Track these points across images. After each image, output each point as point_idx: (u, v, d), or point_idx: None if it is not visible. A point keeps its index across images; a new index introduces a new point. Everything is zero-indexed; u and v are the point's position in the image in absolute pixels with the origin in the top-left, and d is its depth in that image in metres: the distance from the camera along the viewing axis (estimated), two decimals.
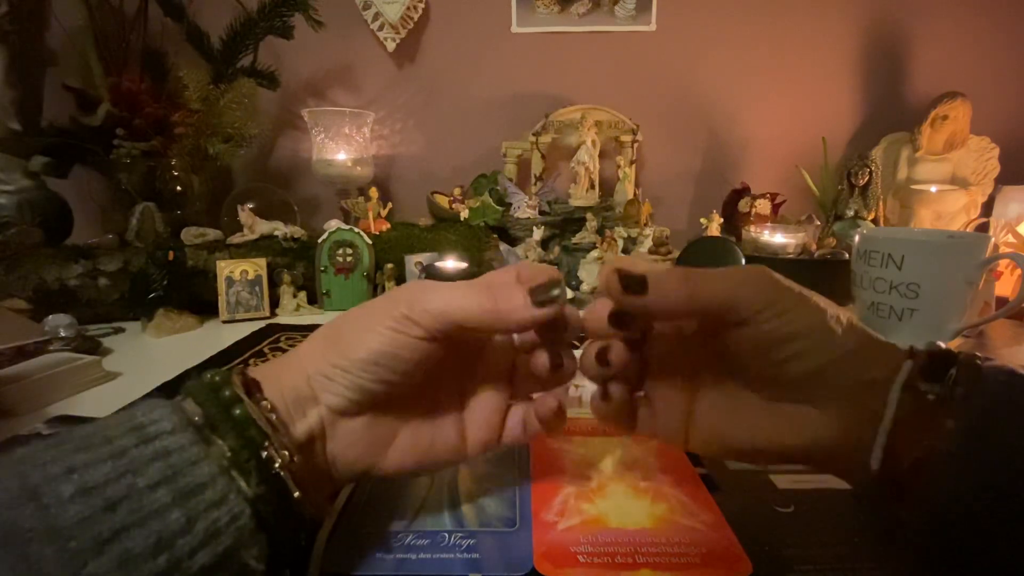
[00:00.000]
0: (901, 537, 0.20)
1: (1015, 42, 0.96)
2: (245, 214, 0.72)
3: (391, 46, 0.97)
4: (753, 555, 0.23)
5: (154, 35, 0.88)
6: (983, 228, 0.85)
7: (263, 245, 0.71)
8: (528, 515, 0.26)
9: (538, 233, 0.81)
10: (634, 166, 0.93)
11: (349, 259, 0.72)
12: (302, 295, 0.70)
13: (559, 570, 0.23)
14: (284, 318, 0.67)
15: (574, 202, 0.87)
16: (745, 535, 0.25)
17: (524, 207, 0.86)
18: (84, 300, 0.63)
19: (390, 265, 0.72)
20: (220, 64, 0.84)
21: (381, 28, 0.96)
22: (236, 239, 0.71)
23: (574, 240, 0.83)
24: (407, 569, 0.23)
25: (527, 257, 0.78)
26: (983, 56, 0.97)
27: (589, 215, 0.83)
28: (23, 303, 0.62)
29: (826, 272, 0.69)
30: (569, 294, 0.71)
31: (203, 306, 0.66)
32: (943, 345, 0.20)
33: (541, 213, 0.87)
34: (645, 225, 0.85)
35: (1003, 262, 0.66)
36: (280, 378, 0.22)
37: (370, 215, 0.80)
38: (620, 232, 0.81)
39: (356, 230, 0.73)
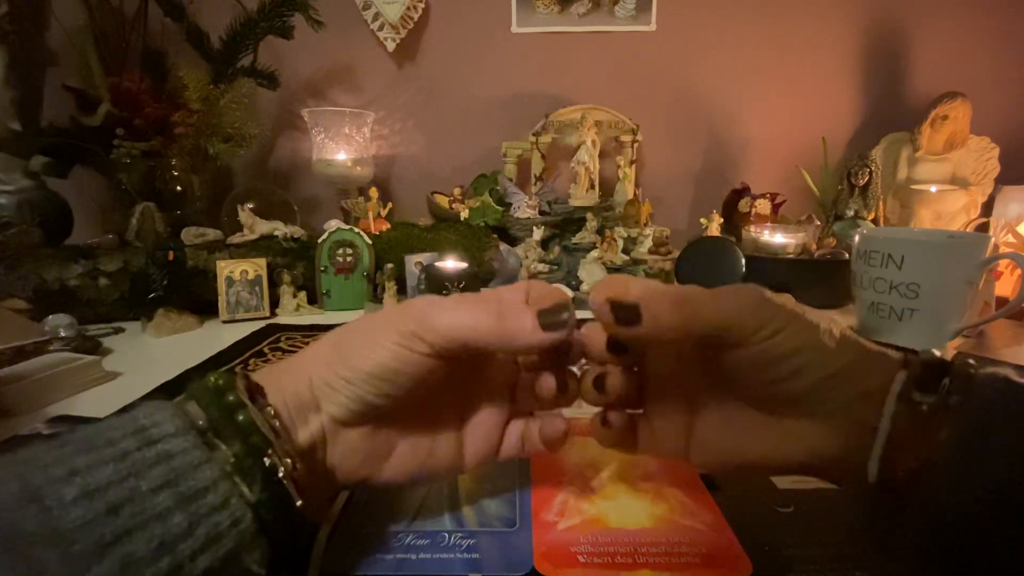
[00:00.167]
0: (901, 537, 0.20)
1: (1015, 42, 0.96)
2: (245, 214, 0.72)
3: (391, 46, 0.97)
4: (753, 555, 0.23)
5: (154, 35, 0.88)
6: (983, 228, 0.85)
7: (263, 245, 0.71)
8: (528, 515, 0.26)
9: (538, 233, 0.81)
10: (634, 166, 0.93)
11: (349, 259, 0.72)
12: (302, 295, 0.70)
13: (559, 570, 0.23)
14: (284, 318, 0.67)
15: (574, 202, 0.87)
16: (745, 535, 0.25)
17: (524, 207, 0.86)
18: (84, 300, 0.63)
19: (390, 265, 0.72)
20: (220, 64, 0.84)
21: (381, 28, 0.96)
22: (236, 239, 0.71)
23: (574, 240, 0.83)
24: (407, 569, 0.23)
25: (527, 257, 0.78)
26: (983, 56, 0.97)
27: (589, 215, 0.83)
28: (23, 303, 0.62)
29: (826, 272, 0.69)
30: (569, 293, 0.71)
31: (203, 306, 0.66)
32: (937, 353, 0.21)
33: (541, 213, 0.87)
34: (645, 225, 0.85)
35: (1003, 262, 0.66)
36: (283, 383, 0.22)
37: (370, 215, 0.80)
38: (620, 232, 0.81)
39: (356, 230, 0.73)
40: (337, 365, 0.22)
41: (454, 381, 0.25)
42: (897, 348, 0.22)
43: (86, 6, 0.79)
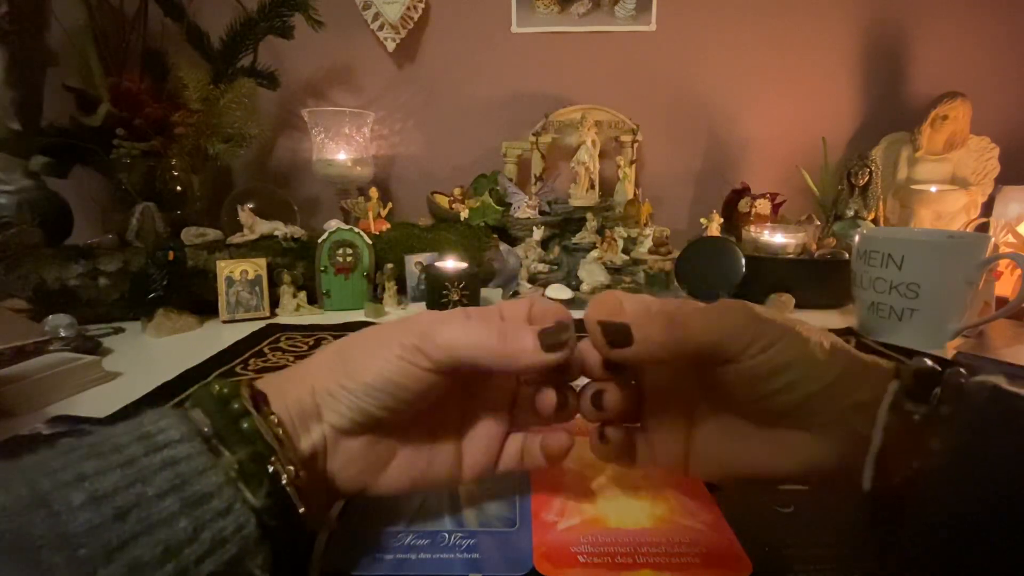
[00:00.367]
0: (898, 540, 0.20)
1: (1016, 42, 0.96)
2: (245, 214, 0.72)
3: (391, 46, 0.97)
4: (753, 555, 0.23)
5: (154, 35, 0.88)
6: (983, 228, 0.85)
7: (263, 245, 0.71)
8: (528, 515, 0.26)
9: (538, 233, 0.81)
10: (634, 166, 0.93)
11: (349, 259, 0.72)
12: (302, 295, 0.70)
13: (559, 570, 0.23)
14: (284, 318, 0.67)
15: (574, 202, 0.87)
16: (745, 535, 0.25)
17: (524, 207, 0.86)
18: (84, 300, 0.63)
19: (390, 265, 0.72)
20: (220, 64, 0.84)
21: (381, 28, 0.96)
22: (236, 239, 0.71)
23: (574, 240, 0.83)
24: (407, 569, 0.23)
25: (527, 257, 0.78)
26: (983, 56, 0.97)
27: (589, 215, 0.83)
28: (23, 303, 0.62)
29: (826, 272, 0.69)
30: (569, 294, 0.71)
31: (203, 306, 0.66)
32: (928, 362, 0.21)
33: (541, 213, 0.87)
34: (645, 225, 0.85)
35: (1003, 262, 0.66)
36: (286, 391, 0.22)
37: (370, 215, 0.80)
38: (620, 232, 0.81)
39: (356, 230, 0.73)
40: (339, 375, 0.22)
41: (454, 394, 0.25)
42: (891, 354, 0.22)
43: (86, 6, 0.79)
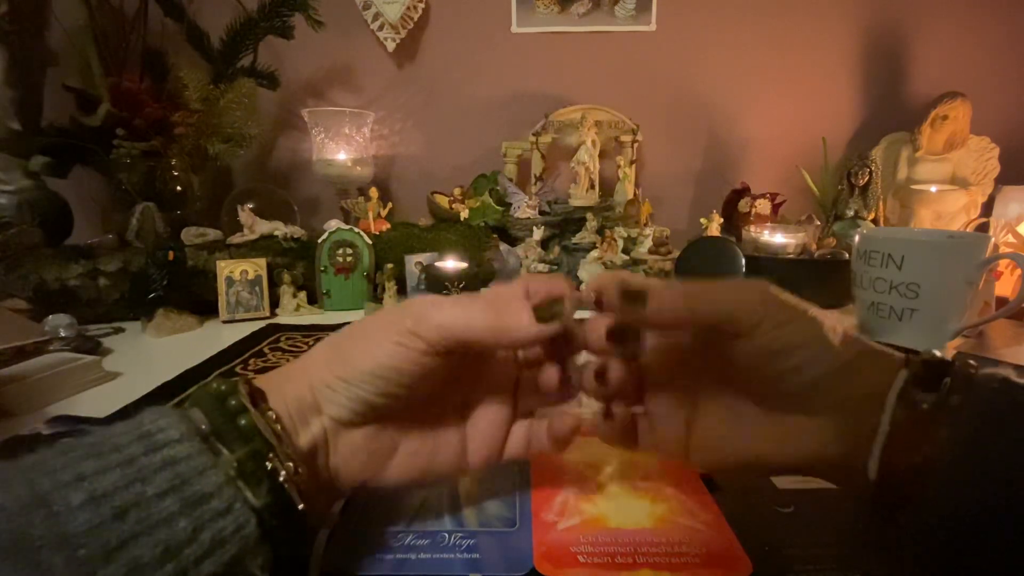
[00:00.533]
0: (901, 537, 0.20)
1: (1015, 42, 0.96)
2: (245, 214, 0.72)
3: (391, 46, 0.97)
4: (753, 555, 0.23)
5: (154, 35, 0.88)
6: (983, 228, 0.85)
7: (263, 245, 0.71)
8: (528, 515, 0.26)
9: (538, 233, 0.81)
10: (634, 166, 0.93)
11: (349, 259, 0.72)
12: (302, 295, 0.70)
13: (559, 570, 0.23)
14: (284, 318, 0.67)
15: (574, 202, 0.87)
16: (745, 535, 0.25)
17: (524, 207, 0.86)
18: (84, 300, 0.63)
19: (390, 265, 0.72)
20: (220, 64, 0.84)
21: (381, 28, 0.96)
22: (236, 239, 0.71)
23: (574, 240, 0.83)
24: (407, 569, 0.23)
25: (527, 257, 0.78)
26: (983, 56, 0.97)
27: (589, 215, 0.83)
28: (23, 303, 0.62)
29: (826, 272, 0.69)
30: (567, 287, 0.71)
31: (203, 306, 0.66)
32: (938, 354, 0.21)
33: (541, 213, 0.87)
34: (645, 225, 0.85)
35: (1003, 262, 0.66)
36: (284, 388, 0.22)
37: (370, 215, 0.80)
38: (620, 232, 0.81)
39: (356, 230, 0.73)
40: (336, 366, 0.22)
41: (455, 381, 0.25)
42: (897, 349, 0.22)
43: (86, 6, 0.79)
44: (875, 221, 0.86)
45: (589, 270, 0.76)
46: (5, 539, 0.14)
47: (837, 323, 0.21)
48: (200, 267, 0.67)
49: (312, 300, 0.71)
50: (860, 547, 0.24)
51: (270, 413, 0.20)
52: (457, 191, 0.87)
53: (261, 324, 0.64)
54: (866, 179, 0.84)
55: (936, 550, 0.18)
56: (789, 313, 0.21)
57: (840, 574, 0.23)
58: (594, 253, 0.77)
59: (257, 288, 0.67)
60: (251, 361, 0.51)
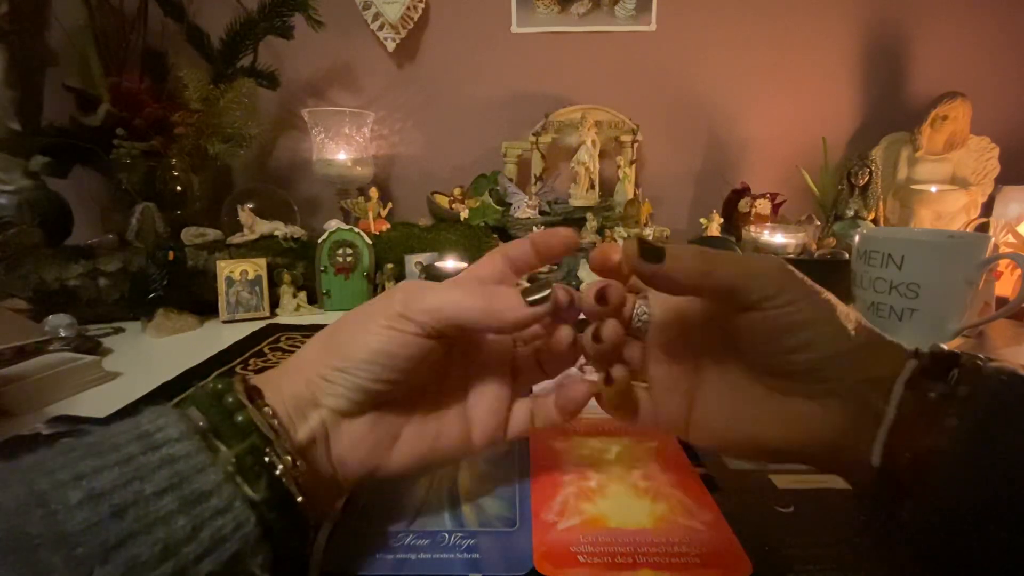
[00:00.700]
0: (901, 537, 0.20)
1: (1015, 42, 0.96)
2: (245, 214, 0.72)
3: (391, 46, 0.97)
4: (753, 555, 0.23)
5: (154, 35, 0.88)
6: (983, 228, 0.85)
7: (263, 245, 0.71)
8: (528, 515, 0.26)
9: None
10: (634, 166, 0.93)
11: (349, 259, 0.72)
12: (302, 295, 0.70)
13: (559, 570, 0.23)
14: (284, 318, 0.67)
15: (574, 202, 0.87)
16: (745, 535, 0.25)
17: (524, 207, 0.86)
18: (84, 300, 0.63)
19: (390, 265, 0.72)
20: (220, 64, 0.84)
21: (381, 28, 0.96)
22: (236, 239, 0.71)
23: None
24: (407, 569, 0.23)
25: None
26: (983, 56, 0.97)
27: (589, 215, 0.83)
28: (23, 303, 0.62)
29: (826, 272, 0.68)
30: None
31: (203, 306, 0.66)
32: (946, 347, 0.21)
33: (541, 213, 0.87)
34: (645, 225, 0.85)
35: (1003, 262, 0.66)
36: (280, 385, 0.22)
37: (370, 215, 0.80)
38: (620, 232, 0.81)
39: (356, 230, 0.73)
40: (331, 358, 0.22)
41: (452, 362, 0.25)
42: None
43: (86, 6, 0.79)
44: (875, 221, 0.86)
45: (589, 270, 0.76)
46: (3, 538, 0.14)
47: (850, 310, 0.22)
48: (200, 267, 0.67)
49: (312, 300, 0.71)
50: (860, 547, 0.24)
51: (266, 409, 0.20)
52: (457, 191, 0.87)
53: (261, 324, 0.64)
54: (866, 179, 0.84)
55: (939, 543, 0.18)
56: (802, 291, 0.21)
57: (840, 574, 0.23)
58: None
59: (257, 288, 0.67)
60: (251, 361, 0.51)
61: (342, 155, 0.91)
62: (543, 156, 0.95)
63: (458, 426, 0.25)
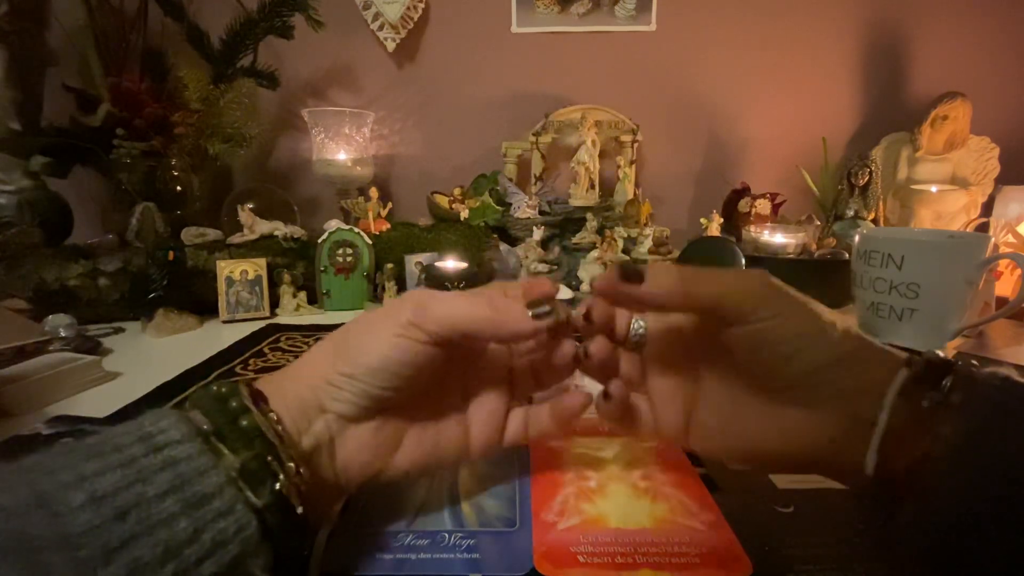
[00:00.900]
0: (901, 537, 0.20)
1: (1016, 42, 0.96)
2: (245, 214, 0.72)
3: (391, 46, 0.97)
4: (753, 555, 0.23)
5: (154, 35, 0.88)
6: (983, 228, 0.85)
7: (263, 245, 0.71)
8: (528, 515, 0.26)
9: (538, 233, 0.81)
10: (634, 166, 0.93)
11: (349, 259, 0.72)
12: (302, 295, 0.70)
13: (559, 570, 0.23)
14: (284, 318, 0.67)
15: (574, 202, 0.87)
16: (745, 535, 0.25)
17: (524, 207, 0.86)
18: (84, 300, 0.63)
19: (390, 265, 0.72)
20: (220, 64, 0.84)
21: (381, 28, 0.96)
22: (236, 239, 0.71)
23: (574, 240, 0.83)
24: (407, 569, 0.23)
25: (527, 257, 0.78)
26: (983, 56, 0.97)
27: (589, 215, 0.83)
28: (23, 303, 0.62)
29: (826, 272, 0.69)
30: (569, 294, 0.71)
31: (203, 306, 0.66)
32: (940, 354, 0.21)
33: (541, 213, 0.87)
34: (645, 225, 0.85)
35: (1003, 262, 0.66)
36: (285, 389, 0.22)
37: (370, 215, 0.80)
38: (620, 232, 0.81)
39: (356, 230, 0.73)
40: (339, 364, 0.22)
41: (454, 370, 0.26)
42: (898, 349, 0.22)
43: (86, 6, 0.79)
44: (875, 221, 0.86)
45: (589, 270, 0.76)
46: (5, 540, 0.14)
47: (839, 319, 0.22)
48: (200, 267, 0.67)
49: (312, 300, 0.71)
50: (860, 547, 0.24)
51: (271, 414, 0.20)
52: (457, 191, 0.87)
53: (261, 324, 0.64)
54: (866, 179, 0.84)
55: (936, 547, 0.18)
56: (785, 304, 0.21)
57: (840, 574, 0.23)
58: (594, 253, 0.77)
59: (257, 288, 0.67)
60: (251, 361, 0.51)
61: (342, 155, 0.91)
62: (543, 156, 0.95)
63: (457, 432, 0.26)
